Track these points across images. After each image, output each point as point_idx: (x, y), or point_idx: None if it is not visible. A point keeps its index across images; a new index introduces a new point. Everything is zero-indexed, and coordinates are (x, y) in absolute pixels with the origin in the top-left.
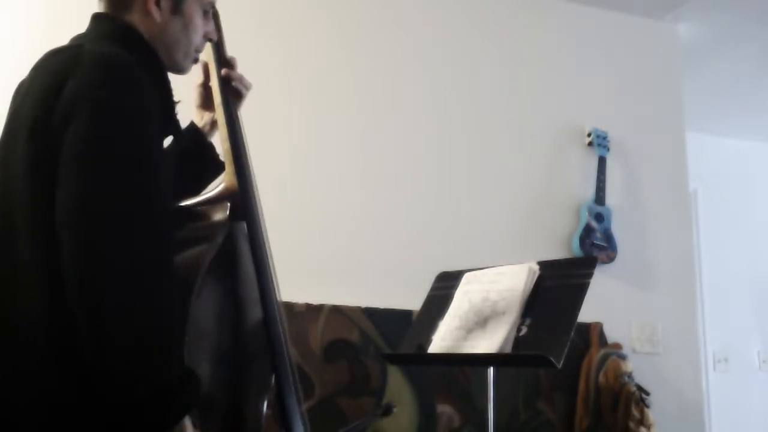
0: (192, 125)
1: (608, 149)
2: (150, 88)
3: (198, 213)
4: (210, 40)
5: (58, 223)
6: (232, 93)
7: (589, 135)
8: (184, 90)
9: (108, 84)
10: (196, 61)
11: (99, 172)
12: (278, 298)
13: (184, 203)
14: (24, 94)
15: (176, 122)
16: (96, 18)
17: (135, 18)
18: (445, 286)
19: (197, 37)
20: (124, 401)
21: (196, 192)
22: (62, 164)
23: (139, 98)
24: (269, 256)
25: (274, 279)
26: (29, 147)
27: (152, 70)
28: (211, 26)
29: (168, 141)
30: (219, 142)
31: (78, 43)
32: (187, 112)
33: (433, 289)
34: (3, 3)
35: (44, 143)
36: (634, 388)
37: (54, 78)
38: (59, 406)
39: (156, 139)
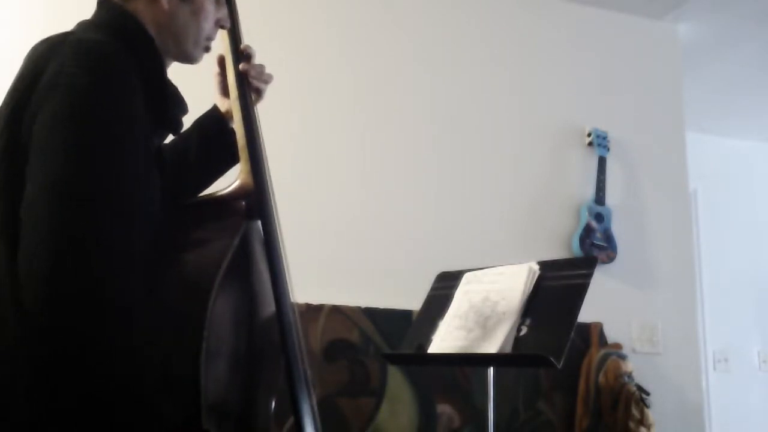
0: (215, 109)
1: (608, 149)
2: (132, 78)
3: (212, 211)
4: (222, 27)
5: (21, 208)
6: (251, 88)
7: (589, 135)
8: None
9: (83, 70)
10: (207, 50)
11: (66, 156)
12: (291, 298)
13: (197, 200)
14: (9, 87)
15: (173, 115)
16: (99, 4)
17: (140, 5)
18: (445, 286)
19: (208, 25)
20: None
21: (215, 174)
22: (32, 150)
23: (114, 85)
24: (284, 256)
25: (288, 279)
26: (2, 138)
27: (145, 60)
28: (223, 12)
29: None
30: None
31: (71, 30)
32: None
33: (433, 289)
34: (3, 3)
35: (18, 133)
36: (634, 388)
37: (33, 68)
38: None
39: (135, 128)
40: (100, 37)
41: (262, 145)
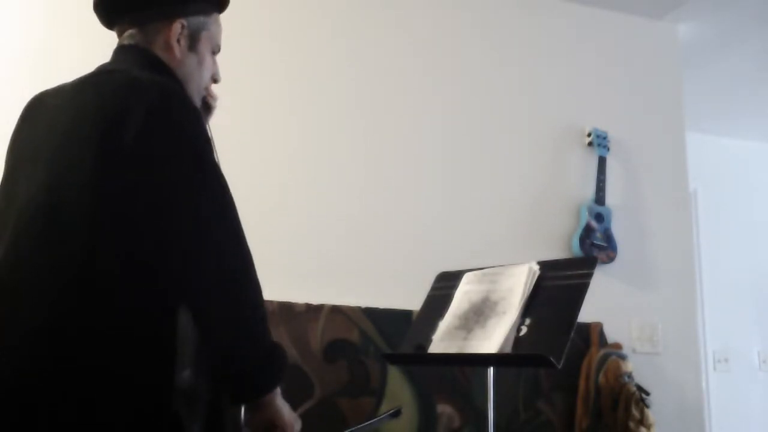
0: None
1: (608, 149)
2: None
3: None
4: (216, 81)
5: (167, 233)
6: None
7: (589, 135)
8: None
9: (175, 108)
10: (205, 101)
11: (197, 184)
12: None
13: None
14: (76, 110)
15: None
16: (126, 48)
17: (157, 52)
18: (445, 286)
19: (208, 75)
20: (245, 367)
21: None
22: (149, 179)
23: (200, 117)
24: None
25: None
26: (99, 165)
27: None
28: (217, 67)
29: None
30: None
31: (120, 68)
32: None
33: (433, 289)
34: (3, 3)
35: (116, 161)
36: (634, 388)
37: (114, 100)
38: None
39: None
40: (164, 78)
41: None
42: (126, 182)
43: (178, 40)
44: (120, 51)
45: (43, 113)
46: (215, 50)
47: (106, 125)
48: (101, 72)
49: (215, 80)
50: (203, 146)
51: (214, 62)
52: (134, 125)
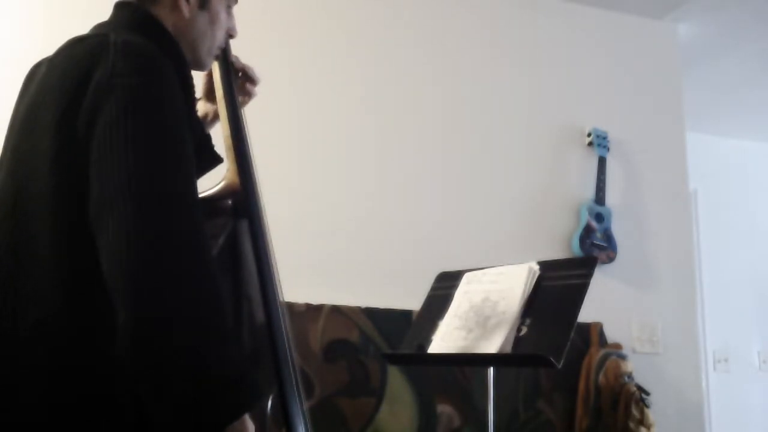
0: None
1: (608, 149)
2: (174, 77)
3: None
4: (232, 36)
5: (95, 213)
6: (238, 88)
7: (589, 135)
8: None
9: (134, 72)
10: (216, 58)
11: (135, 156)
12: (281, 298)
13: None
14: (43, 83)
15: (197, 118)
16: (120, 6)
17: (162, 11)
18: (445, 286)
19: (221, 33)
20: (177, 399)
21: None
22: (96, 153)
23: (165, 84)
24: (272, 255)
25: (276, 278)
26: (54, 142)
27: (175, 63)
28: (233, 22)
29: None
30: (220, 135)
31: (102, 32)
32: None
33: (433, 289)
34: (3, 3)
35: (71, 138)
36: (634, 388)
37: (78, 69)
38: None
39: (184, 124)
40: (138, 39)
41: (249, 144)
42: (79, 171)
43: None
44: (115, 9)
45: (30, 87)
46: (231, 4)
47: (63, 105)
48: (82, 39)
49: (231, 35)
50: (158, 115)
51: (230, 17)
52: (88, 105)
